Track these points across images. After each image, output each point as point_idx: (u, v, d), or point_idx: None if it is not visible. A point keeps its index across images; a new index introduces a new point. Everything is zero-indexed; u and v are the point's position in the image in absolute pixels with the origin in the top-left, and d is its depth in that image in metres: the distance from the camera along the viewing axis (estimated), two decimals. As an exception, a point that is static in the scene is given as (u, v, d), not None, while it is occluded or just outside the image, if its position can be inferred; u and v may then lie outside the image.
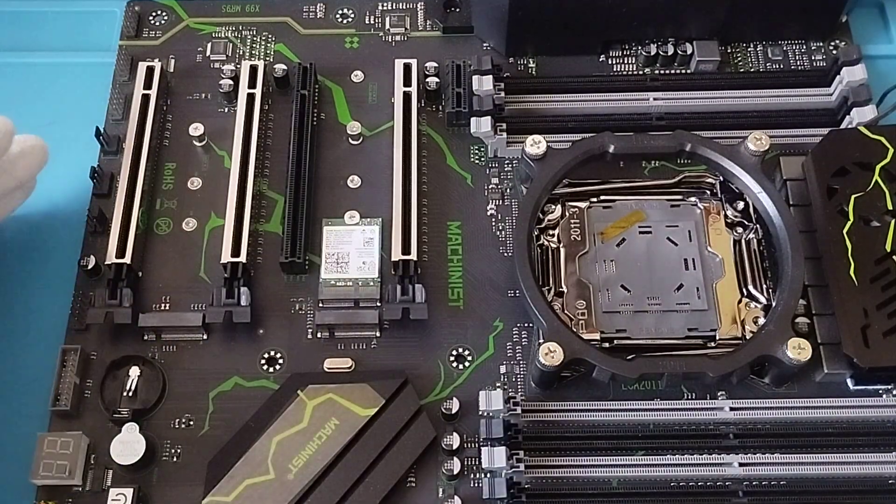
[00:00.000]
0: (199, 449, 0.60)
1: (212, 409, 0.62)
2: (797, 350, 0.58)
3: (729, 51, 0.75)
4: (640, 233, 0.66)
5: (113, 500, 0.58)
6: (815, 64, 0.75)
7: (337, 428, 0.59)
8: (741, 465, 0.59)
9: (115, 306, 0.63)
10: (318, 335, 0.64)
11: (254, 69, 0.72)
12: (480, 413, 0.60)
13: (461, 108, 0.71)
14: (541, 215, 0.65)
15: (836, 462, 0.59)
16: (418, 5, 0.78)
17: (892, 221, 0.62)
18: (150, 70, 0.72)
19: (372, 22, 0.77)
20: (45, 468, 0.58)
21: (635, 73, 0.75)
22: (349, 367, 0.63)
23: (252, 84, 0.71)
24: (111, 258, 0.64)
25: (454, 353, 0.64)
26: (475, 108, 0.70)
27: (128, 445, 0.59)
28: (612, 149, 0.66)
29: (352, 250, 0.66)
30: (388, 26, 0.77)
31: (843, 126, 0.70)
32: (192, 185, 0.70)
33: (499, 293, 0.66)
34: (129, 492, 0.58)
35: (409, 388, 0.61)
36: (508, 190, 0.70)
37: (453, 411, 0.60)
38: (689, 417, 0.60)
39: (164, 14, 0.78)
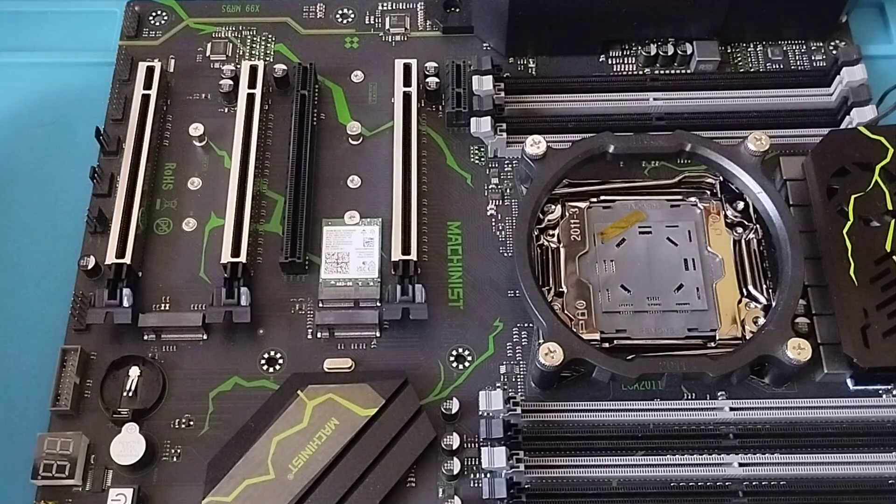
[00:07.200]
0: (199, 449, 0.60)
1: (212, 409, 0.62)
2: (797, 350, 0.58)
3: (729, 51, 0.75)
4: (640, 233, 0.66)
5: (113, 500, 0.58)
6: (815, 64, 0.75)
7: (337, 428, 0.59)
8: (741, 465, 0.59)
9: (115, 306, 0.63)
10: (318, 335, 0.64)
11: (254, 69, 0.72)
12: (480, 413, 0.60)
13: (461, 108, 0.70)
14: (541, 215, 0.65)
15: (836, 462, 0.59)
16: (418, 5, 0.78)
17: (892, 221, 0.62)
18: (150, 70, 0.72)
19: (372, 22, 0.77)
20: (45, 468, 0.58)
21: (635, 73, 0.75)
22: (349, 367, 0.63)
23: (252, 84, 0.71)
24: (111, 258, 0.64)
25: (454, 353, 0.64)
26: (475, 108, 0.70)
27: (128, 445, 0.59)
28: (612, 149, 0.66)
29: (352, 250, 0.66)
30: (388, 26, 0.77)
31: (843, 126, 0.70)
32: (192, 185, 0.70)
33: (499, 293, 0.66)
34: (129, 492, 0.58)
35: (409, 388, 0.61)
36: (508, 190, 0.70)
37: (453, 411, 0.60)
38: (689, 417, 0.60)
39: (164, 14, 0.78)
